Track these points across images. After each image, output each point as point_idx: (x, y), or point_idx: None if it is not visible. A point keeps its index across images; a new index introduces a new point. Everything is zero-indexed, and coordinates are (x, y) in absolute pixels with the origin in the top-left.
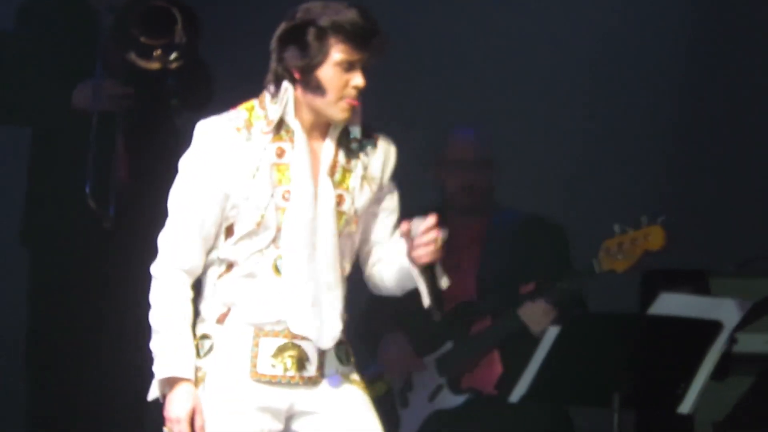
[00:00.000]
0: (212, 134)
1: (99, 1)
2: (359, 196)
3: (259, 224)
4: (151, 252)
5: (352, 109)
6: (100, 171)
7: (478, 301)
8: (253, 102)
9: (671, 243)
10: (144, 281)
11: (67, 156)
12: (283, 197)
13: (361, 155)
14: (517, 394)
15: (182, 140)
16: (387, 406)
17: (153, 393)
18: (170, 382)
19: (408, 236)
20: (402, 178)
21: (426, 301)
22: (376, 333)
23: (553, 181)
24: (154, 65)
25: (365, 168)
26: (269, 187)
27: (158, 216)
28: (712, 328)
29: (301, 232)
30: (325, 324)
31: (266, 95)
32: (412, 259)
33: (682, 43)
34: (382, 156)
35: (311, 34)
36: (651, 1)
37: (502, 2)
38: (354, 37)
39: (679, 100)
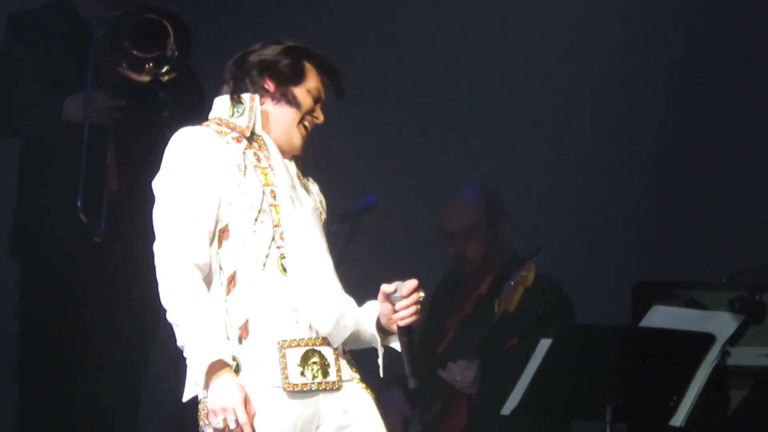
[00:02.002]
0: (198, 136)
1: (90, 14)
2: (322, 212)
3: (256, 220)
4: (142, 263)
5: (303, 142)
6: (91, 183)
7: (449, 349)
8: (210, 122)
9: (658, 254)
10: (134, 292)
11: (57, 168)
12: (272, 195)
13: (310, 180)
14: (509, 407)
15: None
16: None
17: (191, 391)
18: (212, 373)
19: (388, 299)
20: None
21: (409, 370)
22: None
23: (545, 196)
24: (146, 78)
25: (315, 190)
26: (259, 185)
27: (149, 228)
28: (705, 340)
29: (300, 228)
30: (343, 315)
31: (219, 116)
32: (389, 323)
33: (675, 60)
34: (317, 188)
35: (296, 56)
36: (645, 17)
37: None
38: (328, 72)
39: (671, 115)
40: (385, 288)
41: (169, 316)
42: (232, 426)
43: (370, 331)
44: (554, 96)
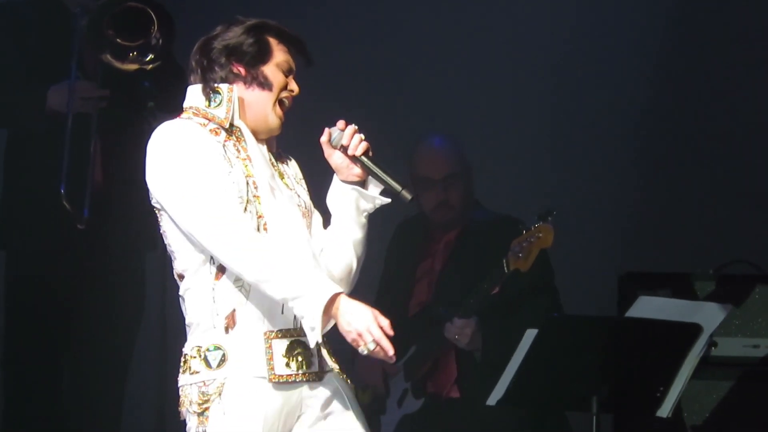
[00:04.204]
0: (185, 127)
1: (74, 2)
2: (302, 193)
3: (244, 210)
4: (125, 251)
5: (281, 122)
6: (74, 172)
7: (434, 303)
8: (187, 112)
9: (644, 245)
10: (119, 282)
11: (41, 158)
12: (254, 186)
13: (285, 160)
14: (494, 397)
15: None
16: (369, 413)
17: (316, 335)
18: (329, 312)
19: (329, 143)
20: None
21: (396, 186)
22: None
23: (530, 185)
24: (130, 66)
25: (292, 172)
26: (243, 176)
27: (132, 217)
28: (692, 331)
29: (282, 218)
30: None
31: (195, 105)
32: (349, 171)
33: (662, 50)
34: (295, 164)
35: (258, 33)
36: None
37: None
38: (291, 42)
39: (657, 104)
40: (323, 138)
41: (253, 276)
42: (372, 347)
43: (349, 203)
44: (536, 86)
